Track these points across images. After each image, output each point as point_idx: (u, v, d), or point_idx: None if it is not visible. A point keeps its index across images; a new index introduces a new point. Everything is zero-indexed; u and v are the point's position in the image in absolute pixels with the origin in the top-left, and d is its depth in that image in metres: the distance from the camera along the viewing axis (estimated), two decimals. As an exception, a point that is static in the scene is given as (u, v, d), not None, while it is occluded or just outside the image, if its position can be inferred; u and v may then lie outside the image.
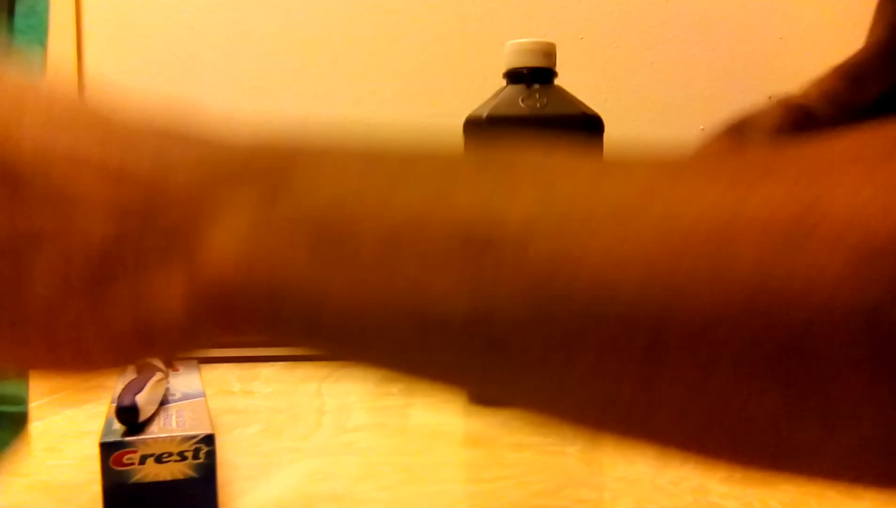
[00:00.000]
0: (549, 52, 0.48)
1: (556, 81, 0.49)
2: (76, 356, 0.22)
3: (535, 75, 0.47)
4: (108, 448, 0.28)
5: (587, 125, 0.48)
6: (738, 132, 0.56)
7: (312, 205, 0.18)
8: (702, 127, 0.91)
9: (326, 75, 0.96)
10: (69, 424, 0.44)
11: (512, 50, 0.48)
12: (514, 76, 0.48)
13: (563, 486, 0.33)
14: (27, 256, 0.20)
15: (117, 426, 0.30)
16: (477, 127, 0.48)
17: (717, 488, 0.33)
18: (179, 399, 0.35)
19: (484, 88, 0.51)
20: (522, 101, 0.47)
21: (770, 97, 0.89)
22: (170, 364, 0.39)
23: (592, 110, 0.48)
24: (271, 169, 0.19)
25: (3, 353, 0.22)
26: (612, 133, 0.53)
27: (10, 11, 0.32)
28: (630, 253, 0.15)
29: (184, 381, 0.39)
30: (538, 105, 0.47)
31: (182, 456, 0.29)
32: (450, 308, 0.17)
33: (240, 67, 0.96)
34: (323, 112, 0.96)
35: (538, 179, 0.17)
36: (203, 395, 0.36)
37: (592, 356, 0.16)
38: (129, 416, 0.30)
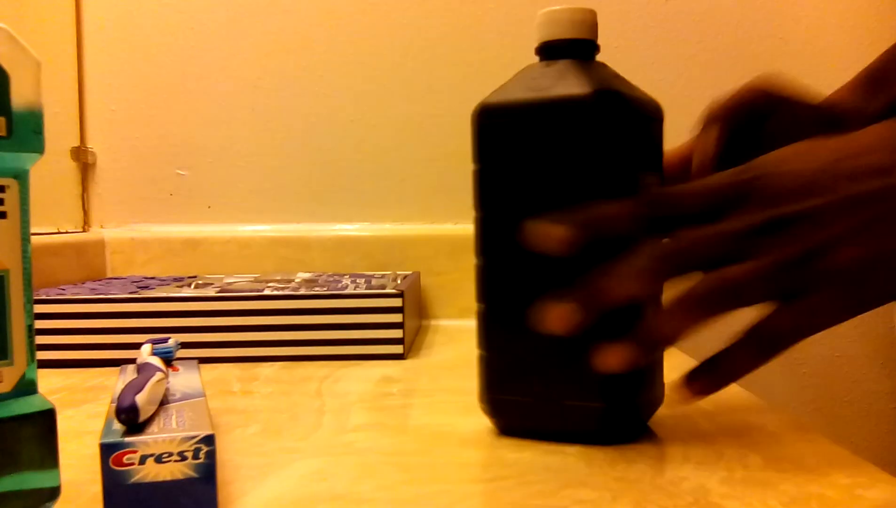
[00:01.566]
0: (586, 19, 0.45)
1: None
2: None
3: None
4: (107, 449, 0.28)
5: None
6: (715, 120, 0.56)
7: None
8: (702, 127, 0.91)
9: (326, 75, 0.96)
10: (69, 424, 0.44)
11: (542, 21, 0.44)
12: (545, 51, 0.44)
13: (563, 486, 0.33)
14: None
15: (117, 426, 0.30)
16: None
17: (717, 488, 0.33)
18: (179, 399, 0.35)
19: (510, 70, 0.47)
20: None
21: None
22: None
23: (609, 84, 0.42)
24: None
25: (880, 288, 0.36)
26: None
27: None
28: None
29: (184, 381, 0.39)
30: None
31: (182, 456, 0.29)
32: None
33: (240, 66, 0.96)
34: (322, 111, 0.96)
35: None
36: (203, 395, 0.36)
37: None
38: (129, 416, 0.30)
